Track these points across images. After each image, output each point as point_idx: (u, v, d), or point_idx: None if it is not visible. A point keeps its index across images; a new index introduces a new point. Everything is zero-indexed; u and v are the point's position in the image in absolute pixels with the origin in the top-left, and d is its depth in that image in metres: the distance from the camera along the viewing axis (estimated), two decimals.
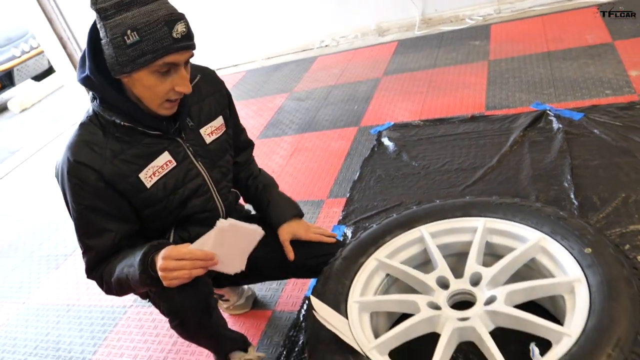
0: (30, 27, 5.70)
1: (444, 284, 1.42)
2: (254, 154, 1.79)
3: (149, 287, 1.27)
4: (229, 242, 1.18)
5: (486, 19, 3.97)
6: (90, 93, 1.33)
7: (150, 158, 1.37)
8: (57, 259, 2.76)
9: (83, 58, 1.28)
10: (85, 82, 1.28)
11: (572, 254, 1.32)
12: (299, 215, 1.66)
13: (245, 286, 1.99)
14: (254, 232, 1.19)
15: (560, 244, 1.36)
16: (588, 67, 2.83)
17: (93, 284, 2.36)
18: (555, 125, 2.41)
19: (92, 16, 1.21)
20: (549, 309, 1.47)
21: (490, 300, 1.32)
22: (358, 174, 2.57)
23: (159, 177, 1.38)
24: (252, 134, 2.53)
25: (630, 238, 1.75)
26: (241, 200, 1.75)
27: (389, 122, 2.93)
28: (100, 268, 1.36)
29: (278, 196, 1.69)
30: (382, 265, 1.51)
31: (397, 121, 2.92)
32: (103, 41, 1.21)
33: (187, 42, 1.22)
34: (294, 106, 3.62)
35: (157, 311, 2.10)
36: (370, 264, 1.50)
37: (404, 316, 1.38)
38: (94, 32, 1.24)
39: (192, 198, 1.46)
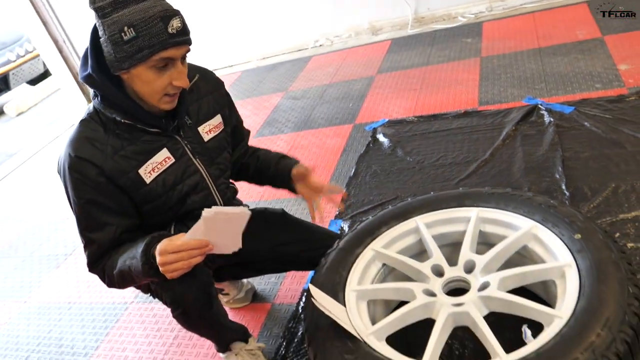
0: (26, 31, 5.72)
1: (439, 272, 1.46)
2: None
3: (152, 278, 1.29)
4: (219, 228, 1.22)
5: (478, 16, 4.01)
6: (92, 91, 1.36)
7: (150, 154, 1.40)
8: (57, 259, 2.79)
9: (85, 57, 1.31)
10: (87, 80, 1.31)
11: (562, 240, 1.36)
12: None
13: (245, 280, 2.02)
14: (240, 214, 1.22)
15: (551, 231, 1.40)
16: (578, 62, 2.88)
17: (93, 282, 2.41)
18: (547, 119, 2.46)
19: (87, 19, 1.24)
20: (541, 295, 1.51)
21: (483, 287, 1.36)
22: (354, 169, 2.60)
23: (158, 173, 1.42)
24: None
25: (620, 226, 1.79)
26: (238, 196, 1.79)
27: (384, 119, 2.97)
28: (101, 261, 1.39)
29: (277, 155, 1.74)
30: (378, 255, 1.54)
31: (392, 118, 2.96)
32: (102, 39, 1.25)
33: (182, 37, 1.26)
34: (290, 105, 3.66)
35: (158, 306, 2.15)
36: (367, 254, 1.54)
37: (401, 306, 1.41)
38: (95, 32, 1.27)
39: (191, 194, 1.49)
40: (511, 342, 1.35)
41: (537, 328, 1.25)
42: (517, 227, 1.47)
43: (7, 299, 2.61)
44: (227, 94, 1.64)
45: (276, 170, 1.69)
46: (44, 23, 4.97)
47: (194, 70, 1.50)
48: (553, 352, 1.09)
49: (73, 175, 1.32)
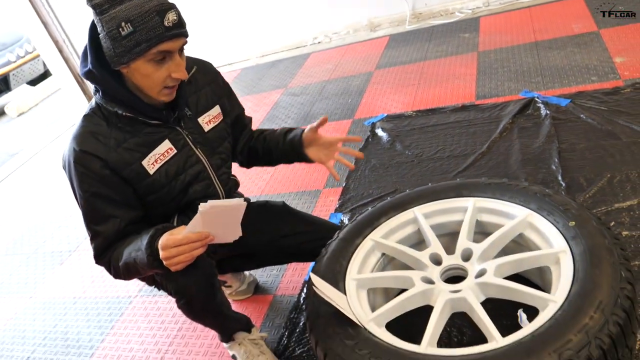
0: (26, 32, 5.74)
1: (437, 261, 1.49)
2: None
3: (156, 269, 1.32)
4: (216, 219, 1.24)
5: (475, 11, 4.04)
6: (93, 86, 1.39)
7: (152, 146, 1.44)
8: (62, 255, 2.82)
9: (85, 53, 1.34)
10: (88, 75, 1.34)
11: (557, 228, 1.39)
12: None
13: (247, 272, 2.05)
14: (236, 206, 1.25)
15: (546, 219, 1.43)
16: (574, 56, 2.90)
17: (98, 277, 2.44)
18: (543, 111, 2.49)
19: (87, 19, 1.28)
20: (537, 282, 1.54)
21: (480, 274, 1.39)
22: (353, 164, 2.63)
23: (161, 164, 1.45)
24: None
25: (615, 215, 1.82)
26: (240, 189, 1.82)
27: (382, 114, 3.00)
28: (108, 253, 1.42)
29: (283, 130, 1.72)
30: (377, 245, 1.57)
31: (390, 113, 2.99)
32: (101, 35, 1.28)
33: (179, 29, 1.29)
34: (290, 101, 3.69)
35: (162, 300, 2.18)
36: (366, 244, 1.57)
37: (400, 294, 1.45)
38: (93, 28, 1.31)
39: (193, 184, 1.53)
40: (508, 328, 1.39)
41: (533, 314, 1.28)
42: (513, 215, 1.50)
43: (12, 294, 2.65)
44: (225, 84, 1.67)
45: (285, 144, 1.67)
46: (44, 24, 4.99)
47: (191, 62, 1.54)
48: (547, 335, 1.11)
49: (78, 169, 1.35)
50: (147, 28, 1.24)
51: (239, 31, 4.89)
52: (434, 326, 1.27)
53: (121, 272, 1.41)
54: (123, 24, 1.23)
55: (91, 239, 1.43)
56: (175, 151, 1.47)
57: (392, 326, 1.36)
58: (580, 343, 1.06)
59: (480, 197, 1.59)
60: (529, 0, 3.88)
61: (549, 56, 2.99)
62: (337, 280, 1.45)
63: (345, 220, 2.25)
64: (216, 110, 1.60)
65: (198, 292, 1.43)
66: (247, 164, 1.80)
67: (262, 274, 2.11)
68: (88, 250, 2.76)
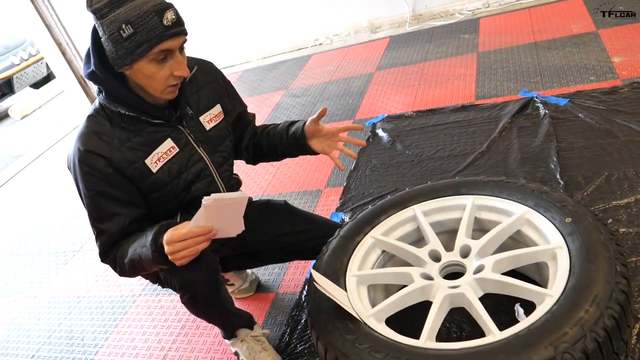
0: (29, 35, 5.79)
1: (436, 257, 1.51)
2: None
3: (161, 265, 1.35)
4: (219, 213, 1.27)
5: (475, 13, 4.07)
6: (97, 87, 1.42)
7: (155, 145, 1.46)
8: (66, 255, 2.85)
9: (88, 56, 1.37)
10: (91, 77, 1.37)
11: (554, 224, 1.41)
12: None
13: (249, 271, 2.08)
14: (238, 199, 1.27)
15: (544, 215, 1.45)
16: (573, 56, 2.93)
17: (102, 276, 2.47)
18: (542, 111, 2.51)
19: (89, 22, 1.31)
20: (534, 278, 1.56)
21: (479, 269, 1.41)
22: (354, 163, 2.66)
23: (164, 162, 1.48)
24: None
25: (613, 213, 1.85)
26: (242, 189, 1.84)
27: (383, 114, 3.03)
28: (113, 251, 1.45)
29: (285, 123, 1.74)
30: (378, 243, 1.60)
31: (391, 113, 3.02)
32: (102, 39, 1.31)
33: (178, 28, 1.32)
34: (291, 102, 3.72)
35: (165, 298, 2.21)
36: (366, 242, 1.59)
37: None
38: (95, 32, 1.34)
39: (195, 182, 1.55)
40: (507, 324, 1.41)
41: (531, 309, 1.30)
42: (511, 213, 1.52)
43: (17, 294, 2.68)
44: (227, 83, 1.70)
45: (288, 138, 1.68)
46: (48, 27, 5.03)
47: (193, 62, 1.57)
48: (544, 328, 1.13)
49: (83, 168, 1.38)
50: (147, 28, 1.26)
51: (241, 33, 4.92)
52: (433, 321, 1.29)
53: (127, 269, 1.43)
54: (123, 26, 1.26)
55: (96, 237, 1.45)
56: (178, 150, 1.50)
57: (392, 322, 1.38)
58: (575, 336, 1.08)
59: (478, 194, 1.61)
60: (528, 1, 3.91)
61: (548, 56, 3.02)
62: (338, 277, 1.48)
63: (346, 220, 2.27)
64: (217, 109, 1.62)
65: (202, 286, 1.46)
66: (253, 160, 1.82)
67: (264, 273, 2.13)
68: (92, 250, 2.79)
